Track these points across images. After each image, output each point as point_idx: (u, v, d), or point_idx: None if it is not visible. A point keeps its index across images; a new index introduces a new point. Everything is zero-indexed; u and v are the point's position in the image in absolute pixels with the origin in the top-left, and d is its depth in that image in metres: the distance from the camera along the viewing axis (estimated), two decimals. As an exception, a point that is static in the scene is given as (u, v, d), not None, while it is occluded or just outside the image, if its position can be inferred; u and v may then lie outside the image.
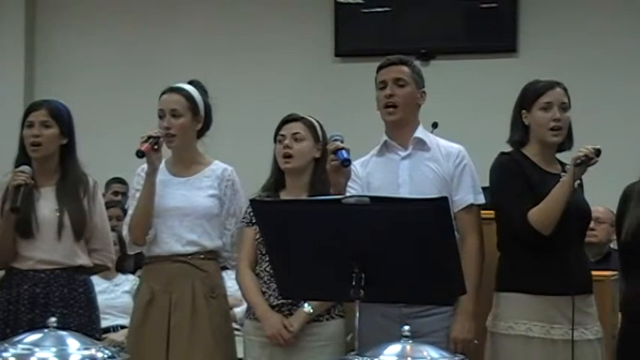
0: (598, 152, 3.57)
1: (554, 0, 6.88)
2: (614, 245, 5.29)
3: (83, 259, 4.04)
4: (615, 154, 3.70)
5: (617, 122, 6.23)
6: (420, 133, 3.94)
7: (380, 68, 3.95)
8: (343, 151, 3.53)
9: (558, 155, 3.84)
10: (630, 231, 3.62)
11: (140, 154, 3.86)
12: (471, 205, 3.87)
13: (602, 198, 3.91)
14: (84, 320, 4.00)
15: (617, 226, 3.81)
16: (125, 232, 4.05)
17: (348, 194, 3.69)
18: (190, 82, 4.11)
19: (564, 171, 3.68)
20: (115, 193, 6.83)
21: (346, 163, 3.53)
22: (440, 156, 3.90)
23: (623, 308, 3.77)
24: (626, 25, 6.71)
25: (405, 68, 3.92)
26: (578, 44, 6.74)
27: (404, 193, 3.82)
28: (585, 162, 3.57)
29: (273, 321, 3.82)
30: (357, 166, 3.93)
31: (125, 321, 5.15)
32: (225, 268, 4.20)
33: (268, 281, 3.83)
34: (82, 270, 4.05)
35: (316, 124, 3.99)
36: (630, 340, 3.65)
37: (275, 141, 4.00)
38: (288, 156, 3.91)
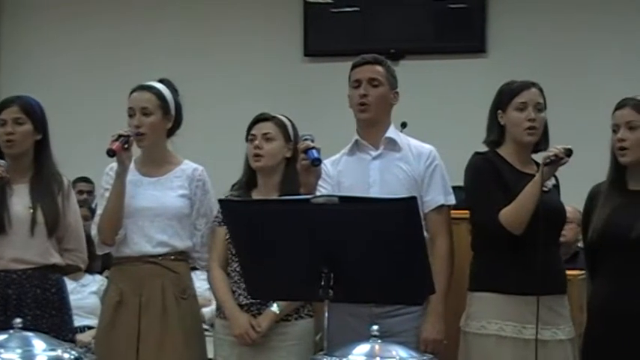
0: (569, 152, 3.58)
1: (523, 0, 6.91)
2: (581, 245, 5.33)
3: (56, 258, 4.01)
4: (584, 153, 3.71)
5: (585, 122, 6.27)
6: (392, 133, 3.95)
7: (354, 66, 3.96)
8: (313, 151, 3.55)
9: (534, 156, 3.85)
10: (597, 231, 3.64)
11: (111, 153, 3.82)
12: (442, 206, 3.88)
13: (569, 198, 3.93)
14: (57, 321, 3.97)
15: (583, 225, 3.83)
16: (94, 232, 4.01)
17: (318, 193, 3.69)
18: (160, 81, 4.08)
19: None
20: (80, 192, 6.78)
21: (316, 162, 3.55)
22: (411, 156, 3.91)
23: (589, 307, 3.79)
24: (595, 24, 6.75)
25: (380, 68, 3.93)
26: (546, 44, 6.77)
27: (374, 193, 3.82)
28: (555, 162, 3.58)
29: (240, 321, 3.81)
30: (327, 165, 3.94)
31: (92, 322, 5.12)
32: (194, 268, 4.17)
33: (239, 281, 3.82)
34: (55, 269, 4.02)
35: (288, 123, 3.98)
36: (595, 340, 3.67)
37: (247, 140, 3.99)
38: (258, 155, 3.90)
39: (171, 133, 4.06)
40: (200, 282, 4.42)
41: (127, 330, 3.89)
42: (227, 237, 3.85)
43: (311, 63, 7.26)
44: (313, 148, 3.55)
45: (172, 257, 3.97)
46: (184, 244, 4.00)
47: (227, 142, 4.19)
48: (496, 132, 3.80)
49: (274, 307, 3.81)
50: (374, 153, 3.92)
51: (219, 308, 3.99)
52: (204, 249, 4.04)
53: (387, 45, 6.58)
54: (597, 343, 3.64)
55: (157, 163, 4.04)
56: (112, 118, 4.26)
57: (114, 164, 3.96)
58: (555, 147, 3.60)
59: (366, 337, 2.91)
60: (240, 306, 3.84)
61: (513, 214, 3.61)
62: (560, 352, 3.68)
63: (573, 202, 4.05)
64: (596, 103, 6.27)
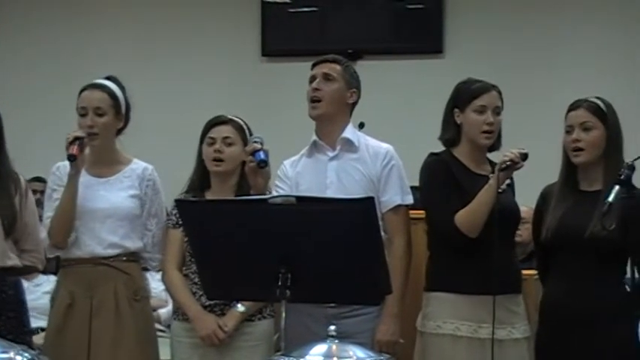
0: (524, 157, 3.61)
1: (480, 1, 6.94)
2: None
3: (14, 260, 3.95)
4: (538, 153, 3.73)
5: (539, 122, 6.32)
6: (349, 133, 3.94)
7: (313, 65, 3.98)
8: (260, 153, 3.60)
9: (487, 155, 3.87)
10: (551, 230, 3.66)
11: (72, 158, 3.76)
12: (399, 206, 3.89)
13: (525, 198, 3.95)
14: (14, 323, 3.93)
15: (534, 225, 3.84)
16: (44, 234, 3.95)
17: (276, 194, 3.69)
18: (108, 78, 4.02)
19: (494, 172, 3.70)
20: (34, 192, 6.68)
21: (262, 164, 3.59)
22: (367, 156, 3.91)
23: (541, 307, 3.82)
24: (550, 25, 6.79)
25: (337, 66, 3.94)
26: (502, 45, 6.81)
27: (331, 194, 3.82)
28: (511, 167, 3.60)
29: (206, 322, 3.80)
30: (287, 166, 3.96)
31: (45, 323, 5.05)
32: (145, 269, 4.13)
33: (199, 282, 3.78)
34: (12, 271, 3.96)
35: (244, 126, 3.97)
36: (546, 339, 3.69)
37: (201, 142, 3.96)
38: (218, 160, 3.89)
39: (119, 132, 4.02)
40: (156, 283, 4.39)
41: (77, 333, 3.84)
42: (184, 239, 3.83)
43: (269, 63, 7.23)
44: (260, 150, 3.57)
45: (124, 258, 3.93)
46: (135, 244, 3.96)
47: (184, 141, 4.15)
48: (452, 130, 3.81)
49: (240, 307, 3.80)
50: (331, 154, 3.92)
51: (176, 310, 3.97)
52: (155, 249, 4.01)
53: (345, 45, 6.57)
54: (549, 343, 3.67)
55: (106, 164, 3.99)
56: (63, 118, 4.21)
57: (60, 164, 3.92)
58: (511, 151, 3.62)
59: (323, 337, 2.91)
60: (203, 307, 3.83)
61: (468, 218, 3.63)
62: (515, 350, 3.70)
63: (527, 201, 4.07)
64: (549, 104, 6.32)
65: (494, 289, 3.54)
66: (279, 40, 7.18)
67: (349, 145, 3.93)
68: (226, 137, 3.91)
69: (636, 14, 6.66)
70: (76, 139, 3.79)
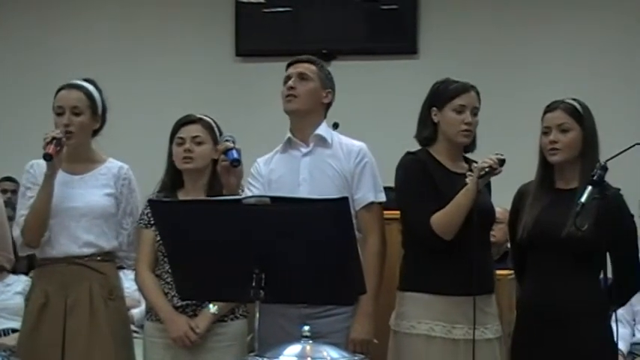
0: (502, 162, 3.62)
1: (454, 1, 6.96)
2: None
3: None
4: (512, 154, 3.74)
5: (513, 122, 6.34)
6: (322, 130, 3.95)
7: (288, 65, 3.98)
8: (233, 151, 3.58)
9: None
10: (527, 230, 3.67)
11: (48, 157, 3.74)
12: (372, 203, 3.89)
13: (498, 198, 3.97)
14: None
15: (510, 224, 3.85)
16: (17, 233, 3.92)
17: (250, 193, 3.70)
18: (85, 80, 4.03)
19: (470, 170, 3.71)
20: (4, 191, 6.65)
21: (235, 163, 3.58)
22: (341, 154, 3.91)
23: (518, 306, 3.83)
24: (524, 25, 6.82)
25: (312, 66, 3.96)
26: (478, 45, 6.83)
27: (304, 190, 3.83)
28: (490, 172, 3.61)
29: (178, 323, 3.79)
30: (260, 164, 3.96)
31: (17, 324, 5.01)
32: (121, 267, 4.12)
33: (171, 282, 3.77)
34: None
35: (214, 124, 3.97)
36: (524, 338, 3.70)
37: (171, 142, 3.95)
38: (188, 158, 3.88)
39: (95, 133, 4.01)
40: (129, 282, 4.36)
41: (52, 333, 3.82)
42: (156, 239, 3.82)
43: (243, 63, 7.22)
44: (233, 148, 3.57)
45: (99, 258, 3.91)
46: (111, 244, 3.95)
47: (159, 141, 4.14)
48: (429, 129, 3.82)
49: (212, 308, 3.79)
50: (304, 150, 3.93)
51: (149, 311, 3.95)
52: (130, 248, 4.00)
53: (319, 45, 6.58)
54: (526, 341, 3.68)
55: (81, 162, 3.98)
56: (35, 118, 4.18)
57: (35, 161, 3.90)
58: (490, 157, 3.63)
59: (297, 337, 2.90)
60: (175, 308, 3.82)
61: (445, 221, 3.64)
62: (488, 351, 3.71)
63: (501, 202, 4.09)
64: (523, 103, 6.37)
65: (472, 289, 3.56)
66: (254, 40, 7.17)
67: (322, 142, 3.93)
68: (196, 136, 3.90)
69: (608, 13, 6.69)
70: (54, 139, 3.77)
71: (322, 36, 6.99)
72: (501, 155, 3.63)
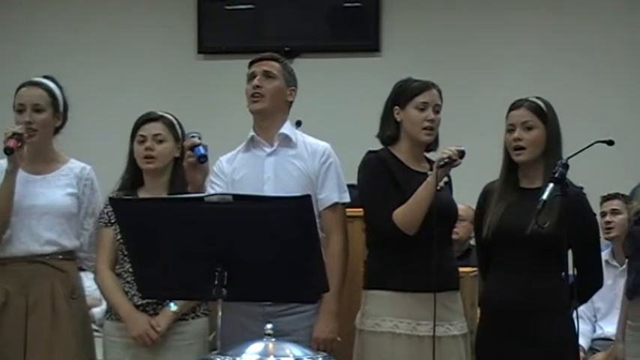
0: (462, 154, 3.63)
1: (417, 0, 6.97)
2: (473, 242, 5.42)
3: None
4: (475, 152, 3.76)
5: (475, 120, 6.38)
6: (287, 129, 3.94)
7: (251, 63, 3.97)
8: (200, 148, 3.60)
9: (425, 154, 3.89)
10: (492, 228, 3.69)
11: (9, 151, 3.72)
12: (336, 204, 3.89)
13: (461, 195, 3.98)
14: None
15: (476, 223, 3.88)
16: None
17: (212, 191, 3.70)
18: (46, 77, 4.00)
19: (432, 169, 3.73)
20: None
21: (202, 159, 3.59)
22: (305, 153, 3.91)
23: (482, 302, 3.85)
24: (486, 23, 6.85)
25: (276, 64, 3.95)
26: (440, 43, 6.85)
27: (268, 190, 3.82)
28: (449, 163, 3.62)
29: (139, 321, 3.76)
30: (223, 162, 3.95)
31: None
32: (81, 269, 4.08)
33: (132, 281, 3.75)
34: None
35: (175, 122, 3.94)
36: (488, 333, 3.73)
37: (132, 139, 3.93)
38: (149, 157, 3.85)
39: (57, 131, 3.98)
40: (89, 281, 4.33)
41: (13, 332, 3.78)
42: (117, 238, 3.80)
43: (205, 60, 7.19)
44: (199, 145, 3.55)
45: (60, 256, 3.88)
46: (72, 243, 3.92)
47: (118, 139, 4.11)
48: (391, 127, 3.83)
49: (173, 307, 3.77)
50: (268, 149, 3.92)
51: (109, 310, 3.92)
52: (91, 249, 3.97)
53: (282, 43, 6.58)
54: (491, 338, 3.70)
55: (43, 161, 3.95)
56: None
57: None
58: (449, 149, 3.64)
59: (260, 336, 2.90)
60: (136, 306, 3.79)
61: (407, 215, 3.65)
62: (453, 347, 3.73)
63: (464, 199, 4.10)
64: (485, 101, 6.41)
65: (433, 286, 3.57)
66: (216, 38, 7.15)
67: (287, 141, 3.92)
68: (157, 134, 3.87)
69: (568, 12, 6.74)
70: (15, 134, 3.74)
71: (285, 33, 6.98)
72: (461, 147, 3.64)
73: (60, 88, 3.99)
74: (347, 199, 3.93)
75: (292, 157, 3.90)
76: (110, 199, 3.49)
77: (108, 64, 7.21)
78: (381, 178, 3.74)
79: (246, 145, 3.96)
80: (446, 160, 3.62)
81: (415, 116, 3.77)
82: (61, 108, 3.95)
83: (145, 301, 3.76)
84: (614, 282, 5.15)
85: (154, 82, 7.06)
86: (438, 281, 3.59)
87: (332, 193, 3.88)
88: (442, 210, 3.65)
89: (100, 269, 3.89)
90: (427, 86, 3.81)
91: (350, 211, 3.97)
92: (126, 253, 3.70)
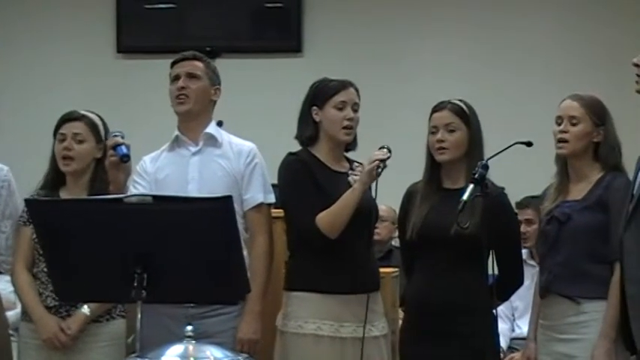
0: (389, 150, 3.65)
1: (339, 0, 6.99)
2: (395, 243, 5.44)
3: None
4: (396, 152, 3.77)
5: (397, 121, 6.42)
6: (212, 129, 3.93)
7: (174, 63, 3.94)
8: (123, 147, 3.57)
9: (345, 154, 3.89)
10: (416, 229, 3.71)
11: None
12: (261, 204, 3.88)
13: (383, 196, 3.99)
14: None
15: (400, 224, 3.90)
16: None
17: (135, 191, 3.66)
18: None
19: (352, 169, 3.74)
20: None
21: (125, 158, 3.57)
22: (231, 153, 3.90)
23: (404, 304, 3.86)
24: (409, 24, 6.89)
25: (199, 63, 3.93)
26: (362, 44, 6.88)
27: (192, 189, 3.80)
28: (383, 168, 3.62)
29: (49, 324, 3.72)
30: (147, 161, 3.93)
31: None
32: (-1, 272, 4.02)
33: (46, 282, 3.71)
34: None
35: (99, 122, 3.89)
36: (410, 335, 3.75)
37: (54, 138, 3.86)
38: (67, 157, 3.80)
39: None
40: (4, 284, 4.25)
41: None
42: (33, 237, 3.73)
43: (124, 59, 7.12)
44: (122, 144, 3.54)
45: (-23, 260, 3.81)
46: (-11, 246, 3.84)
47: (36, 139, 4.04)
48: (310, 128, 3.82)
49: (85, 309, 3.73)
50: (193, 149, 3.90)
51: (24, 312, 3.85)
52: (9, 252, 3.91)
53: (203, 43, 6.52)
54: (414, 338, 3.73)
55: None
56: None
57: None
58: (375, 155, 3.64)
59: (182, 338, 2.86)
60: (48, 308, 3.75)
61: (330, 220, 3.65)
62: (374, 348, 3.74)
63: (388, 201, 4.12)
64: (407, 102, 6.46)
65: (360, 287, 3.59)
66: (135, 37, 7.08)
67: (213, 141, 3.91)
68: (77, 134, 3.82)
69: (490, 9, 6.81)
70: None
71: (206, 33, 6.95)
72: (383, 146, 3.65)
73: None
74: (272, 199, 3.92)
75: (217, 156, 3.88)
76: (25, 200, 3.43)
77: (27, 64, 7.09)
78: (302, 181, 3.73)
79: (171, 145, 3.94)
80: (381, 166, 3.62)
81: (334, 115, 3.78)
82: None
83: (57, 303, 3.71)
84: (531, 281, 5.21)
85: (75, 82, 6.97)
86: (360, 282, 3.59)
87: (257, 193, 3.87)
88: (363, 211, 3.66)
89: (16, 269, 3.83)
90: (344, 85, 3.81)
91: (276, 212, 3.96)
92: (41, 253, 3.64)
